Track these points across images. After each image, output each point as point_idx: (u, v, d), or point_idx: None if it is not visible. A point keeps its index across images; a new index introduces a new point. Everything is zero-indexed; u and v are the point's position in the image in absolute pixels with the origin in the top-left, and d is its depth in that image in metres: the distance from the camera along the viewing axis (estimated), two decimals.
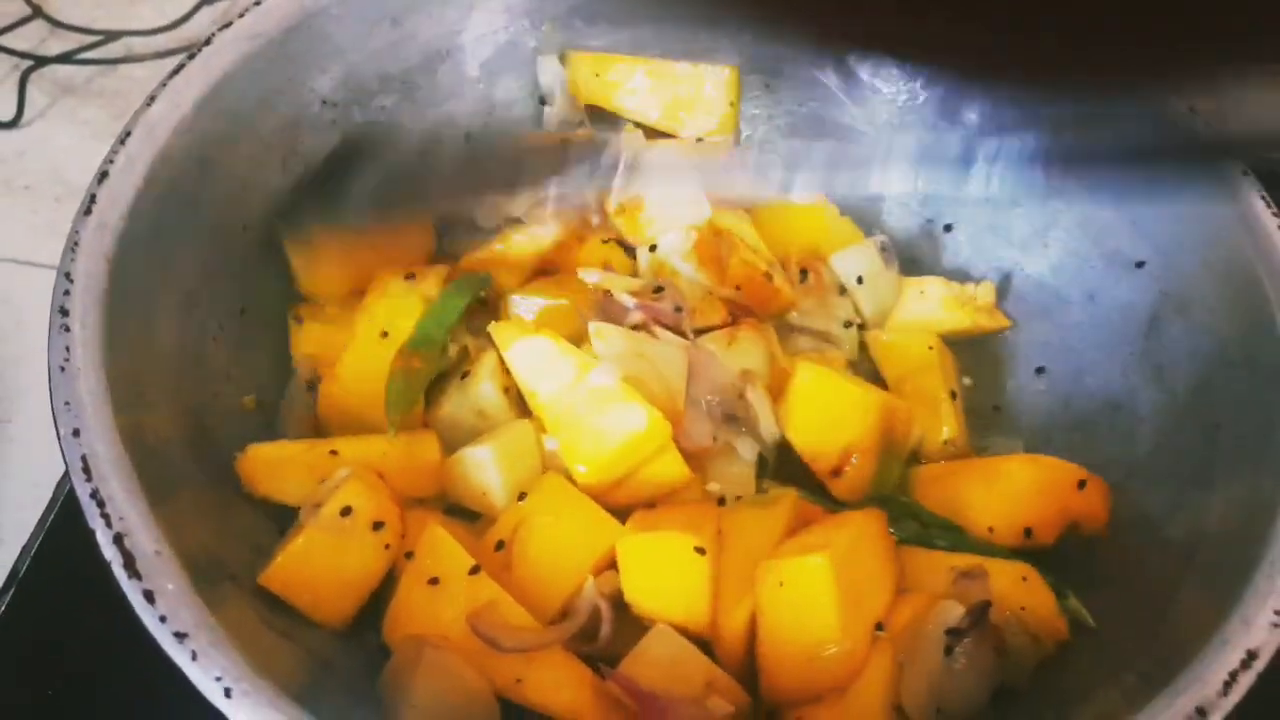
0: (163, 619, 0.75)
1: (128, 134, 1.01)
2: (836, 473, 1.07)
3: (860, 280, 1.22)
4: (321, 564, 0.93)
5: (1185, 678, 0.79)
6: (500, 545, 0.96)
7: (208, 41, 1.08)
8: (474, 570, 0.92)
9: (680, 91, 1.29)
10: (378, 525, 0.95)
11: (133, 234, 0.96)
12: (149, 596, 0.76)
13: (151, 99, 1.03)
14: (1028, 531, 1.03)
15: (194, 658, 0.74)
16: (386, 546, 0.95)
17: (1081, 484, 1.05)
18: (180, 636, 0.75)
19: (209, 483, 0.97)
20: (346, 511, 0.93)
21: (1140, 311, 1.14)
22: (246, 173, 1.11)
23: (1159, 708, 0.78)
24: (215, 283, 1.06)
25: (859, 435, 1.07)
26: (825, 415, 1.09)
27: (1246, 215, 1.03)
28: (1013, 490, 1.05)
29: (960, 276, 1.29)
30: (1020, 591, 0.96)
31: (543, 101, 1.30)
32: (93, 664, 1.07)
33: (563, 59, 1.31)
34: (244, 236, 1.11)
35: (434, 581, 0.92)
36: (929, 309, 1.25)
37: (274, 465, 1.00)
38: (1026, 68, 0.58)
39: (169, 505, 0.84)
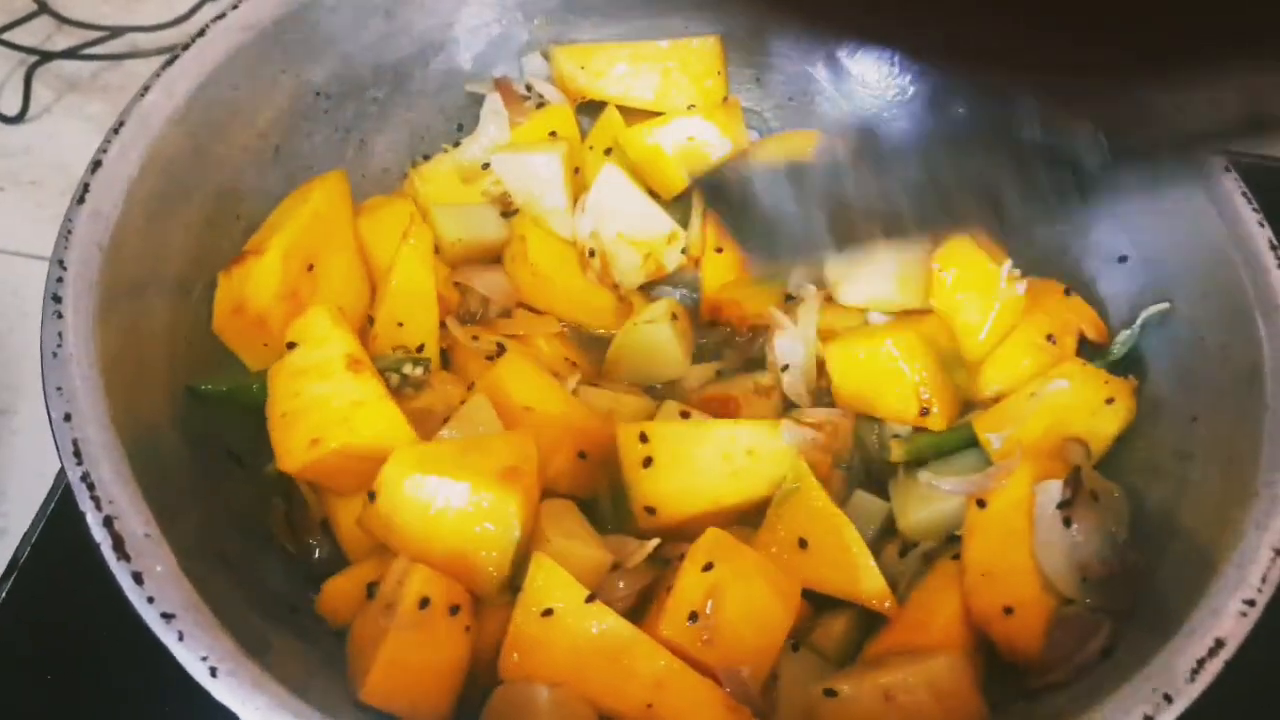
0: (150, 600, 0.77)
1: (121, 123, 1.02)
2: (925, 413, 1.09)
3: None
4: (415, 664, 0.87)
5: (1153, 664, 0.81)
6: (694, 617, 0.91)
7: (201, 32, 1.09)
8: (590, 599, 0.89)
9: (668, 67, 1.29)
10: (454, 609, 0.90)
11: (126, 222, 0.98)
12: (137, 578, 0.78)
13: (145, 89, 1.05)
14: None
15: (180, 638, 0.76)
16: (467, 629, 0.91)
17: None
18: (168, 617, 0.77)
19: (201, 467, 0.98)
20: (425, 603, 0.88)
21: (1121, 304, 1.15)
22: (240, 163, 1.13)
23: (1125, 693, 0.79)
24: (208, 271, 1.08)
25: (914, 376, 1.08)
26: (877, 382, 1.10)
27: (1226, 210, 1.04)
28: None
29: None
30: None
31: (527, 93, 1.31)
32: (93, 651, 1.10)
33: (546, 55, 1.32)
34: (236, 225, 1.12)
35: (548, 613, 0.89)
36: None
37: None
38: (1016, 63, 0.59)
39: (160, 489, 0.86)
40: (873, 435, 1.12)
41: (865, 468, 1.11)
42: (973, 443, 1.10)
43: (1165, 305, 1.11)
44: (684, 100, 1.30)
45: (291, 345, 1.03)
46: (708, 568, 0.93)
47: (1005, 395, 1.11)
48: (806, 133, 1.31)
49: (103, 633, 1.08)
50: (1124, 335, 1.13)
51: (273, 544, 1.01)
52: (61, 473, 1.15)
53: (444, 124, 1.30)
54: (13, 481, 1.25)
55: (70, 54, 1.65)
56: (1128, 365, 1.13)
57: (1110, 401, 1.07)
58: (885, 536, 1.06)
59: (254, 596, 0.90)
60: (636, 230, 1.21)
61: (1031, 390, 1.09)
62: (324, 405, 0.97)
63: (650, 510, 1.01)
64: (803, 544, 0.99)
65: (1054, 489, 0.98)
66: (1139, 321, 1.12)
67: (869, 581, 0.98)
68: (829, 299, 1.19)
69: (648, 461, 1.01)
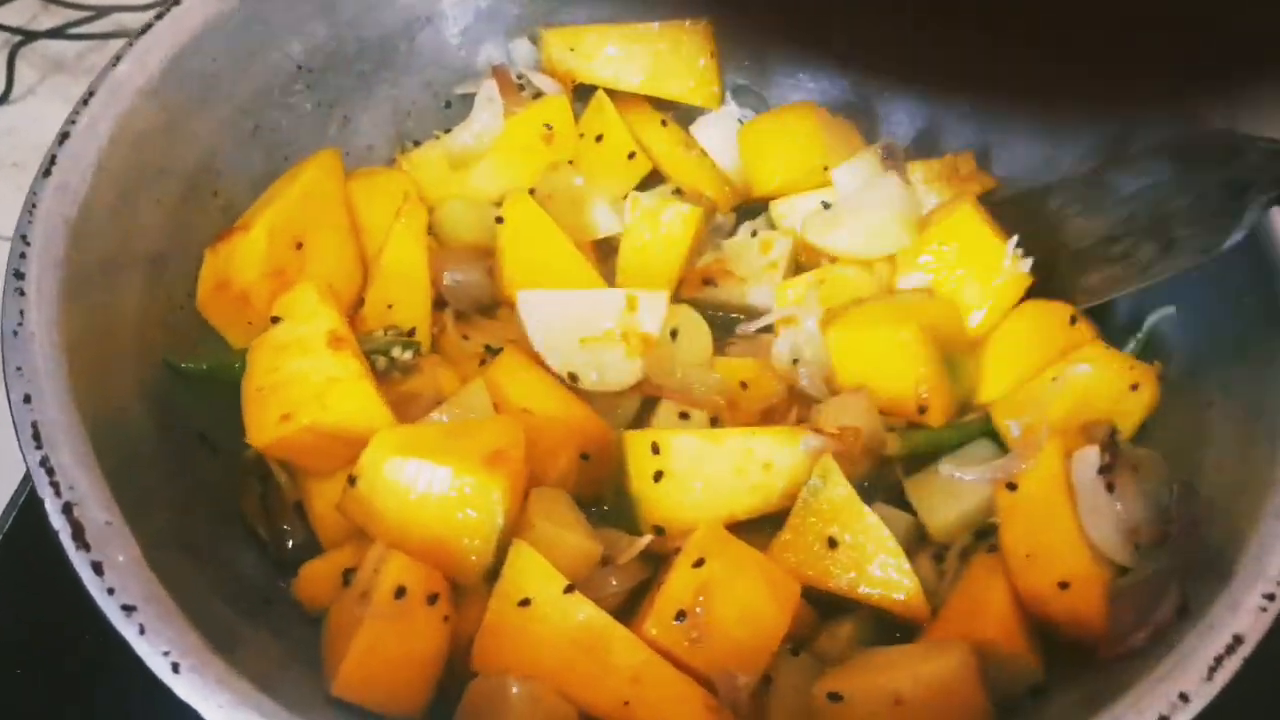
0: (110, 591, 0.73)
1: (91, 94, 0.98)
2: (922, 411, 1.04)
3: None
4: (391, 655, 0.84)
5: (1168, 663, 0.76)
6: (682, 616, 0.87)
7: (177, 0, 1.05)
8: (568, 589, 0.87)
9: (658, 50, 1.25)
10: (433, 598, 0.86)
11: (95, 197, 0.94)
12: (97, 568, 0.74)
13: (117, 59, 1.01)
14: None
15: (141, 631, 0.72)
16: (445, 619, 0.87)
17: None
18: (128, 609, 0.73)
19: (172, 450, 0.94)
20: (401, 592, 0.85)
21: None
22: (216, 138, 1.09)
23: (1140, 692, 0.75)
24: (183, 248, 1.04)
25: (914, 372, 1.03)
26: (878, 371, 1.06)
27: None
28: None
29: None
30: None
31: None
32: (63, 644, 1.05)
33: (535, 39, 1.28)
34: (214, 202, 1.08)
35: (525, 603, 0.85)
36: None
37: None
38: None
39: (126, 474, 0.82)
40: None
41: (879, 476, 1.05)
42: (975, 437, 1.06)
43: (1170, 310, 1.08)
44: (675, 84, 1.26)
45: (276, 320, 0.99)
46: (699, 563, 0.89)
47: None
48: (801, 106, 1.27)
49: (73, 626, 1.04)
50: (1132, 345, 1.10)
51: (246, 532, 0.97)
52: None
53: (431, 101, 1.26)
54: None
55: (55, 33, 1.61)
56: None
57: (1135, 387, 1.02)
58: (916, 547, 1.00)
59: (224, 587, 0.86)
60: None
61: (1052, 375, 1.05)
62: (301, 381, 0.93)
63: (659, 530, 0.97)
64: (832, 544, 0.94)
65: (1091, 456, 0.95)
66: (1145, 328, 1.09)
67: (904, 586, 0.93)
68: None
69: (659, 476, 0.96)
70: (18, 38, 1.58)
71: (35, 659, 1.06)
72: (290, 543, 0.98)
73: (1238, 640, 0.76)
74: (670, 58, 1.25)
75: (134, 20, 1.61)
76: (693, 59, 1.26)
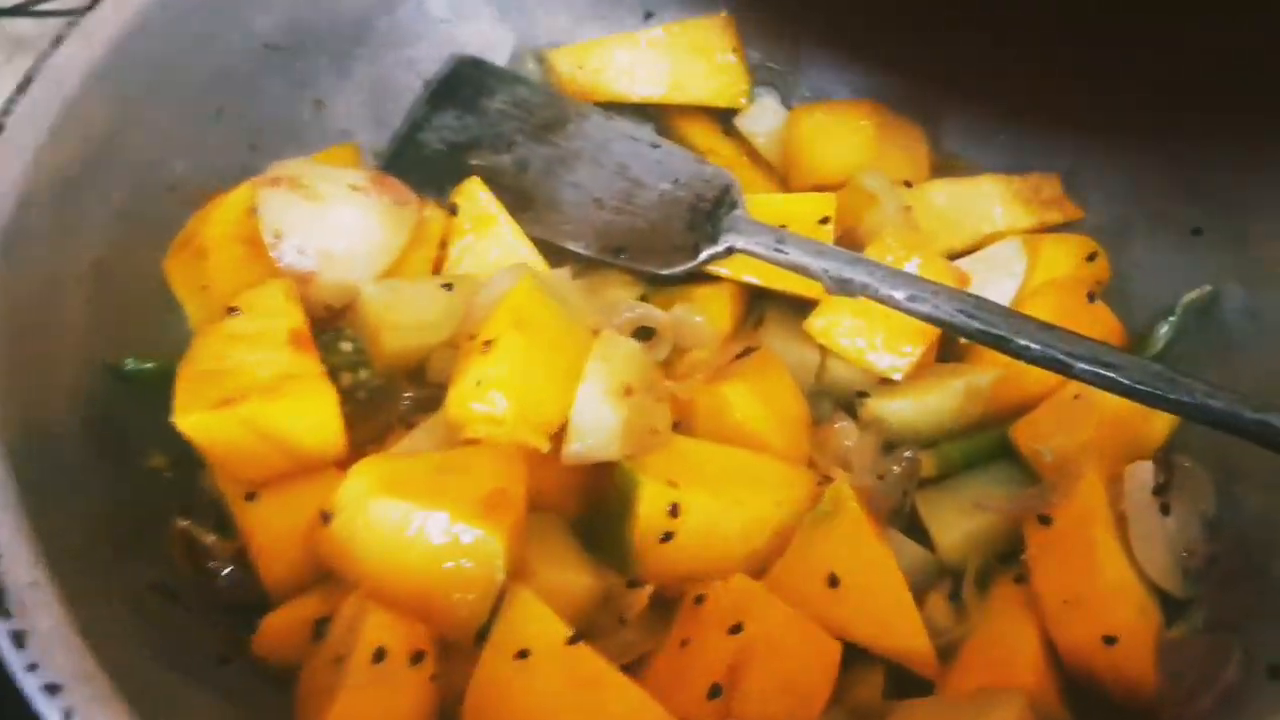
0: (32, 667, 0.62)
1: (29, 80, 0.87)
2: None
3: None
4: None
5: None
6: (716, 691, 0.77)
7: None
8: (573, 640, 0.76)
9: (675, 56, 1.15)
10: (417, 657, 0.76)
11: (32, 195, 0.83)
12: (18, 638, 0.63)
13: (59, 39, 0.90)
14: None
15: (68, 717, 0.61)
16: (433, 679, 0.77)
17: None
18: (53, 690, 0.62)
19: (110, 482, 0.83)
20: (381, 655, 0.75)
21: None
22: (173, 126, 0.97)
23: None
24: (133, 251, 0.93)
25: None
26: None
27: None
28: None
29: None
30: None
31: None
32: None
33: (541, 60, 1.17)
34: (170, 198, 0.97)
35: (523, 655, 0.76)
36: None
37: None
38: None
39: (56, 516, 0.71)
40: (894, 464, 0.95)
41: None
42: (1006, 450, 0.97)
43: (1207, 289, 0.99)
44: (701, 88, 1.16)
45: (234, 311, 0.89)
46: (735, 629, 0.78)
47: None
48: (861, 103, 1.15)
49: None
50: (1164, 329, 1.01)
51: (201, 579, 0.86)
52: None
53: (413, 80, 1.13)
54: None
55: (19, 11, 1.48)
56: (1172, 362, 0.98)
57: None
58: (929, 582, 0.90)
59: (171, 648, 0.74)
60: None
61: (1074, 392, 0.94)
62: (248, 371, 0.83)
63: (644, 583, 0.85)
64: (833, 582, 0.83)
65: (1145, 474, 0.86)
66: (1179, 309, 1.00)
67: (909, 634, 0.83)
68: None
69: (668, 536, 0.84)
70: None
71: None
72: (224, 582, 0.85)
73: None
74: (689, 59, 1.15)
75: None
76: (714, 56, 1.15)
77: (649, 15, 1.19)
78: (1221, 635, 0.78)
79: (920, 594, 0.88)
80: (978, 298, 0.86)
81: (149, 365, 0.90)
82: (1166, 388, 0.78)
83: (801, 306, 1.01)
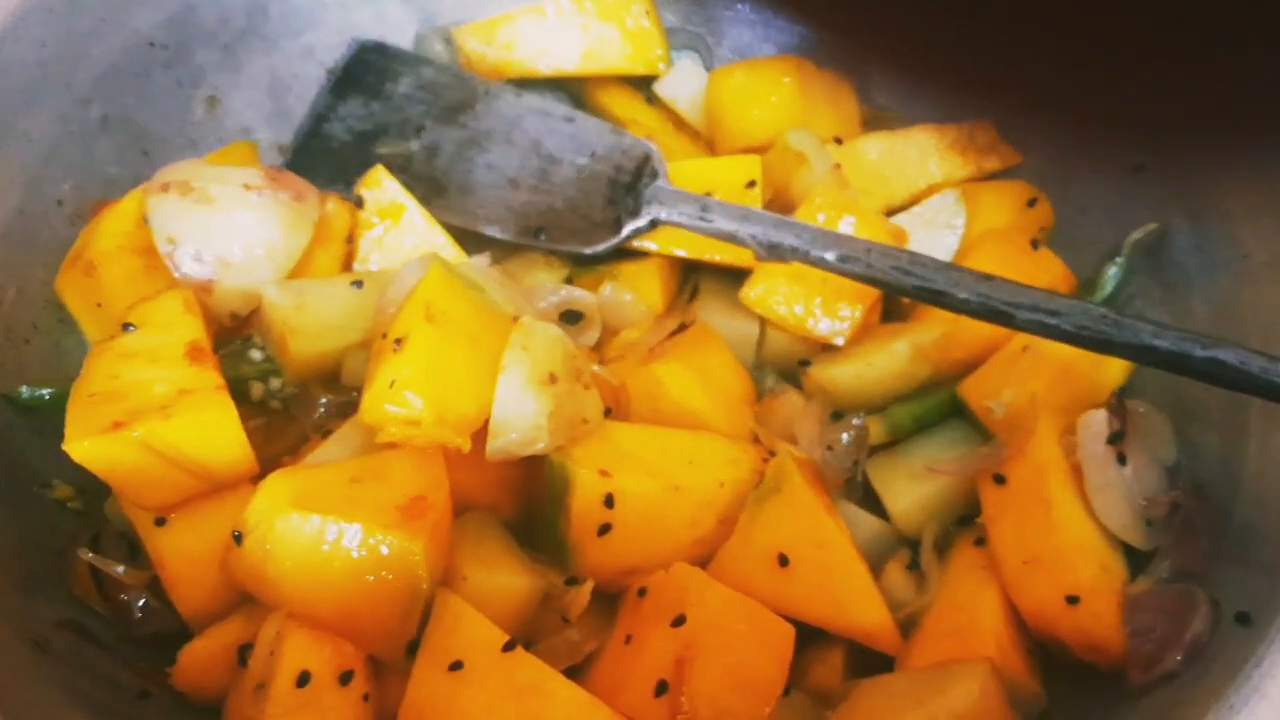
0: None
1: None
2: None
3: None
4: None
5: (1235, 692, 0.63)
6: (663, 688, 0.73)
7: None
8: (508, 646, 0.72)
9: (586, 24, 1.10)
10: (345, 677, 0.72)
11: None
12: None
13: None
14: None
15: None
16: (365, 698, 0.73)
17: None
18: None
19: (12, 517, 0.79)
20: (304, 679, 0.71)
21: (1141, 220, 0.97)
22: (56, 136, 0.92)
23: None
24: (24, 272, 0.88)
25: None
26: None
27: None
28: None
29: None
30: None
31: None
32: None
33: (447, 39, 1.12)
34: (58, 213, 0.92)
35: (457, 666, 0.72)
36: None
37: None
38: None
39: None
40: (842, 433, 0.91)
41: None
42: (958, 410, 0.93)
43: (1153, 226, 0.96)
44: (615, 55, 1.11)
45: (129, 327, 0.84)
46: (678, 621, 0.74)
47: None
48: (778, 60, 1.10)
49: None
50: (1112, 271, 0.97)
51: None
52: None
53: (313, 69, 1.08)
54: None
55: None
56: (1122, 303, 0.97)
57: None
58: (887, 554, 0.86)
59: (85, 688, 0.70)
60: None
61: (1023, 344, 0.90)
62: (143, 390, 0.78)
63: (584, 579, 0.81)
64: (783, 561, 0.79)
65: (1098, 423, 0.82)
66: (1126, 249, 0.97)
67: (868, 611, 0.79)
68: None
69: (605, 529, 0.80)
70: None
71: None
72: (138, 615, 0.80)
73: None
74: (600, 25, 1.10)
75: None
76: (625, 23, 1.10)
77: None
78: (1187, 585, 0.75)
79: (877, 566, 0.84)
80: (912, 253, 0.82)
81: (45, 392, 0.86)
82: (1112, 331, 0.74)
83: (738, 276, 0.97)
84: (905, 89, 1.12)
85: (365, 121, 1.05)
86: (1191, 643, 0.71)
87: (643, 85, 1.13)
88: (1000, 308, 0.78)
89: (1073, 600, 0.76)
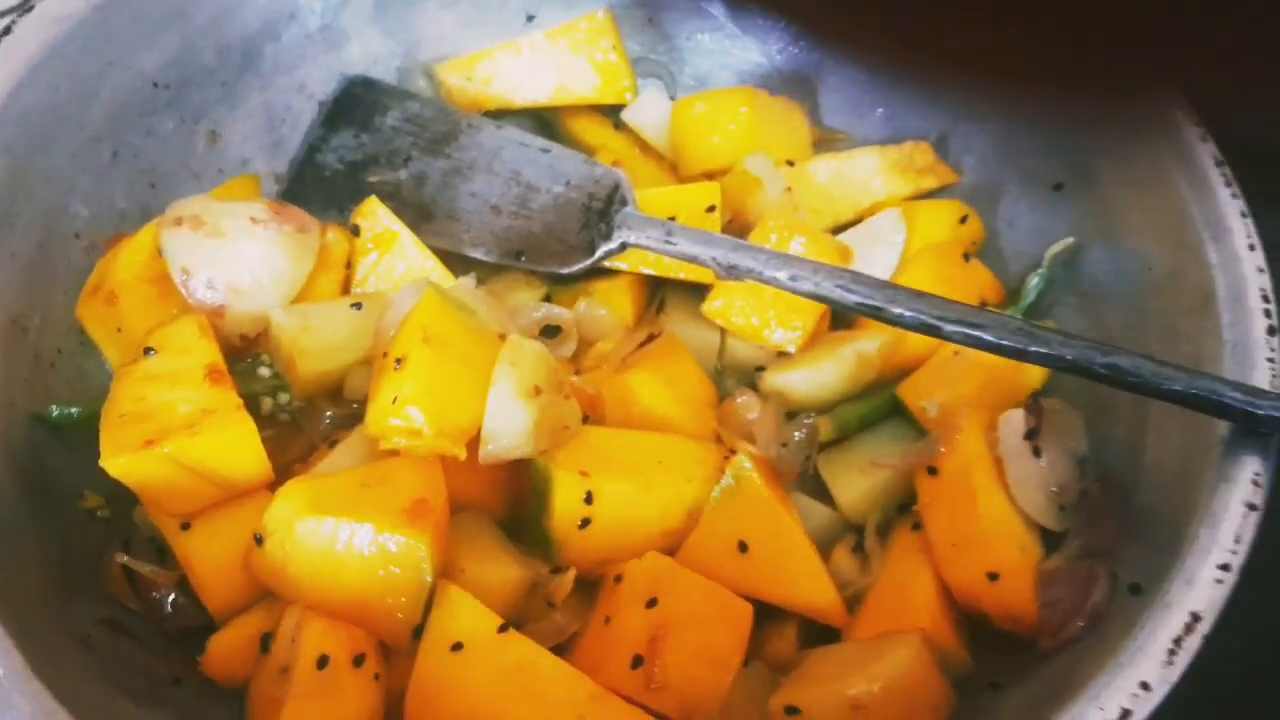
0: None
1: None
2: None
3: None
4: None
5: (1125, 650, 0.73)
6: (638, 661, 0.83)
7: (7, 30, 0.95)
8: (503, 628, 0.82)
9: (558, 59, 1.19)
10: (359, 660, 0.81)
11: None
12: None
13: None
14: None
15: None
16: (376, 678, 0.82)
17: None
18: None
19: (45, 527, 0.86)
20: (324, 661, 0.79)
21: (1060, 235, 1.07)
22: (71, 174, 0.99)
23: (1100, 686, 0.72)
24: (47, 301, 0.95)
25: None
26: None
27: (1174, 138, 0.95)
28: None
29: None
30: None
31: None
32: None
33: (429, 74, 1.21)
34: (76, 246, 0.99)
35: (457, 648, 0.81)
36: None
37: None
38: None
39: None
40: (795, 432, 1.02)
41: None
42: (898, 409, 1.03)
43: (1070, 241, 1.06)
44: (586, 87, 1.20)
45: (150, 351, 0.92)
46: (651, 603, 0.84)
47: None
48: (736, 91, 1.20)
49: None
50: (1034, 281, 1.07)
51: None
52: None
53: (305, 102, 1.16)
54: None
55: None
56: (1043, 310, 1.08)
57: None
58: (835, 538, 0.97)
59: (125, 677, 0.79)
60: None
61: (954, 350, 1.01)
62: (169, 410, 0.86)
63: (567, 568, 0.91)
64: (743, 548, 0.90)
65: (1016, 421, 0.92)
66: (1046, 261, 1.07)
67: (817, 590, 0.90)
68: None
69: (585, 523, 0.89)
70: None
71: None
72: (169, 610, 0.89)
73: (1195, 618, 0.74)
74: (573, 60, 1.19)
75: None
76: (594, 57, 1.20)
77: (530, 18, 1.23)
78: (1091, 562, 0.86)
79: (826, 550, 0.95)
80: (854, 273, 0.93)
81: (73, 411, 0.94)
82: (1026, 341, 0.84)
83: (700, 291, 1.06)
84: (855, 112, 1.22)
85: (356, 152, 1.13)
86: (1092, 610, 0.82)
87: (611, 112, 1.22)
88: (930, 321, 0.87)
89: (994, 577, 0.87)
